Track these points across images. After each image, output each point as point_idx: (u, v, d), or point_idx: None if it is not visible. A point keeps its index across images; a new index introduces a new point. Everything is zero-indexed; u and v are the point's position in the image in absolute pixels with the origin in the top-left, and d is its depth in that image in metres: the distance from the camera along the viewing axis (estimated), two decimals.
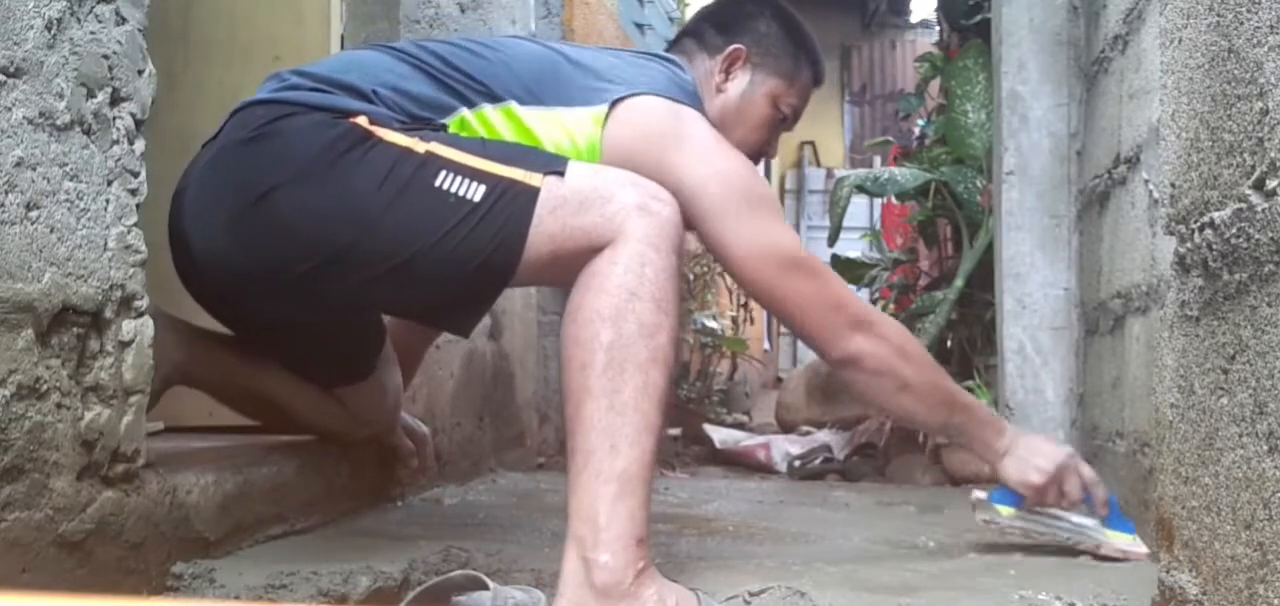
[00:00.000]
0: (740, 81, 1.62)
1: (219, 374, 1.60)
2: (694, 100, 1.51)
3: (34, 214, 1.01)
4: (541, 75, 1.43)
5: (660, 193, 1.25)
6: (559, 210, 1.24)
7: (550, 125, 1.40)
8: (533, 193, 1.25)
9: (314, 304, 1.38)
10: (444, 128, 1.38)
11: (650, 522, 1.13)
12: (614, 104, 1.41)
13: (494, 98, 1.41)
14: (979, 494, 1.62)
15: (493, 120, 1.40)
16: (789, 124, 1.68)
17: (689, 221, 1.37)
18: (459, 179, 1.26)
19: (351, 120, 1.30)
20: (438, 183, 1.26)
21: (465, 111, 1.40)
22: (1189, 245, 0.91)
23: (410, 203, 1.26)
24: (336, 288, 1.31)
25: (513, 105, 1.40)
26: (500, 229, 1.25)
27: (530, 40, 1.65)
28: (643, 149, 1.39)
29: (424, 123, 1.36)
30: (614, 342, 1.14)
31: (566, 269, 1.24)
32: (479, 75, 1.42)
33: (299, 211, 1.28)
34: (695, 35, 1.66)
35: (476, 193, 1.25)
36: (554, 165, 1.28)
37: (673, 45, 1.72)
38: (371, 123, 1.31)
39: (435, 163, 1.27)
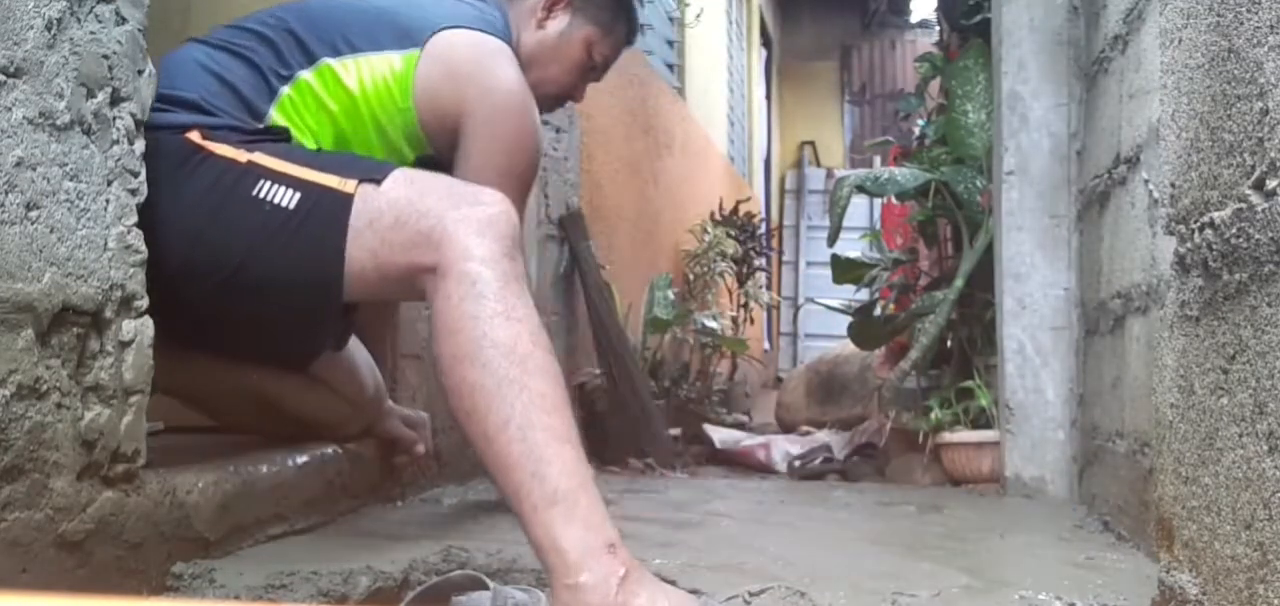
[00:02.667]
0: (560, 21, 1.68)
1: (202, 377, 1.60)
2: (504, 37, 1.54)
3: (34, 214, 1.00)
4: (352, 23, 1.47)
5: (479, 194, 1.23)
6: (376, 223, 1.24)
7: (365, 70, 1.44)
8: (345, 199, 1.26)
9: (198, 317, 1.38)
10: (279, 127, 1.40)
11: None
12: (424, 42, 1.45)
13: (309, 59, 1.43)
14: None
15: (314, 86, 1.42)
16: (598, 74, 1.76)
17: (454, 138, 1.44)
18: (275, 187, 1.28)
19: (185, 135, 1.32)
20: (254, 192, 1.28)
21: (285, 90, 1.42)
22: (1189, 245, 0.91)
23: (229, 213, 1.29)
24: (192, 299, 1.32)
25: (327, 62, 1.43)
26: (316, 237, 1.26)
27: None
28: (449, 89, 1.45)
29: (253, 123, 1.38)
30: (481, 380, 1.11)
31: (398, 286, 1.25)
32: (293, 44, 1.44)
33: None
34: None
35: (291, 200, 1.27)
36: (372, 173, 1.29)
37: None
38: (204, 136, 1.33)
39: (255, 172, 1.30)
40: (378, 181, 1.27)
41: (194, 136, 1.32)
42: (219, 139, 1.33)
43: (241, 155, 1.31)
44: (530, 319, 1.15)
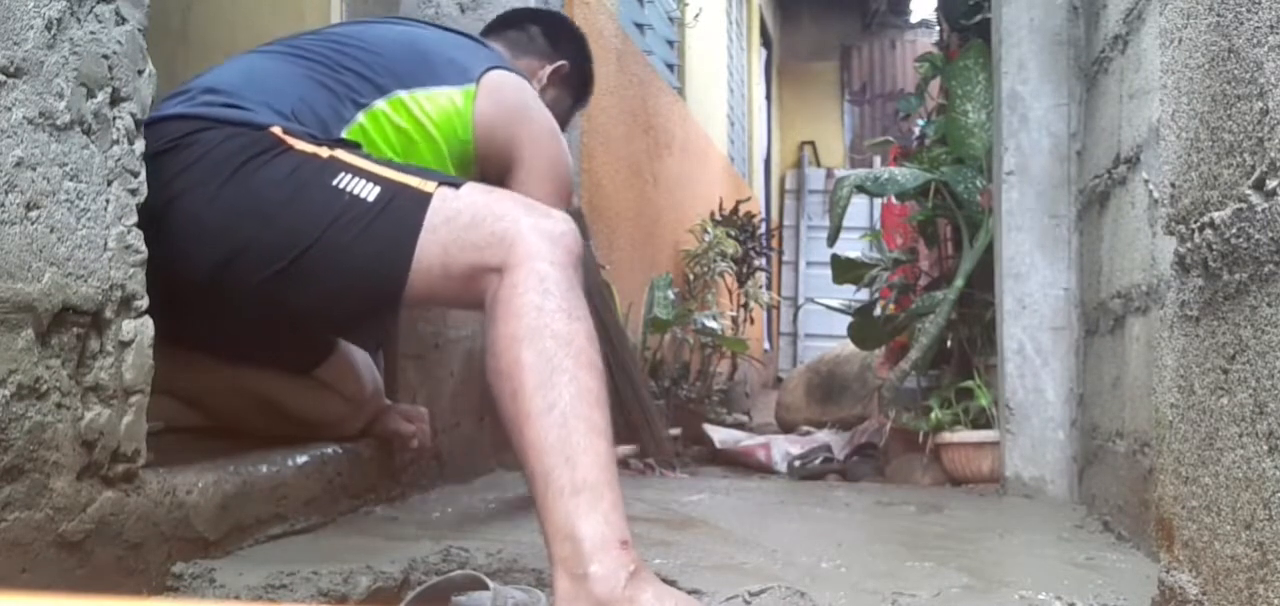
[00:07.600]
0: (550, 93, 1.88)
1: (203, 378, 1.60)
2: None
3: (34, 214, 1.00)
4: (409, 60, 1.60)
5: (550, 211, 1.29)
6: (452, 222, 1.28)
7: (430, 103, 1.57)
8: (424, 197, 1.30)
9: (232, 310, 1.41)
10: (351, 143, 1.47)
11: (630, 523, 1.11)
12: (478, 80, 1.63)
13: (380, 90, 1.55)
14: None
15: (388, 113, 1.54)
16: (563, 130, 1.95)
17: (504, 170, 1.61)
18: (355, 179, 1.32)
19: (267, 129, 1.37)
20: (334, 182, 1.32)
21: (360, 117, 1.52)
22: (1189, 245, 0.91)
23: (307, 199, 1.32)
24: (241, 287, 1.34)
25: (397, 94, 1.56)
26: (392, 229, 1.29)
27: (386, 22, 1.79)
28: (503, 124, 1.63)
29: (332, 139, 1.45)
30: (536, 361, 1.14)
31: (460, 285, 1.27)
32: (365, 74, 1.55)
33: (202, 211, 1.32)
34: (521, 30, 1.92)
35: (371, 193, 1.31)
36: (450, 180, 1.34)
37: (493, 32, 1.94)
38: (285, 133, 1.37)
39: (335, 165, 1.34)
40: (456, 187, 1.32)
41: (276, 131, 1.37)
42: (298, 137, 1.38)
43: (322, 151, 1.36)
44: (588, 322, 1.20)
